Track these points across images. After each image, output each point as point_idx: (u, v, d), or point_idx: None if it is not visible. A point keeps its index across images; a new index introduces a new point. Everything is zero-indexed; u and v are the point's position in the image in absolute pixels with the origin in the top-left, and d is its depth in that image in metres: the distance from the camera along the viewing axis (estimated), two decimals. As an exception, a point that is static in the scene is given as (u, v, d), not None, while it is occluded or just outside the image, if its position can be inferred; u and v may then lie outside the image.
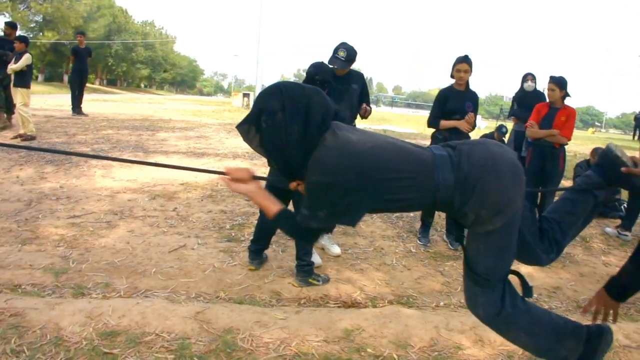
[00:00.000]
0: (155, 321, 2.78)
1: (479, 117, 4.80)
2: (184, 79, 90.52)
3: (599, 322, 1.98)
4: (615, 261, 4.88)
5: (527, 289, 1.97)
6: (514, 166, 1.76)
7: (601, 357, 1.97)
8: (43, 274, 3.46)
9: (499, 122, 10.66)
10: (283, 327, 2.83)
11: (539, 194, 5.21)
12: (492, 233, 1.77)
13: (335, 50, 4.03)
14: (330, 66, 3.95)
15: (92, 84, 46.74)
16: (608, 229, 5.78)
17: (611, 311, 2.04)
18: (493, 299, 1.89)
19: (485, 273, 1.85)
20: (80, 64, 12.27)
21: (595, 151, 6.06)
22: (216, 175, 6.51)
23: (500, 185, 1.71)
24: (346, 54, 3.98)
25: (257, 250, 3.80)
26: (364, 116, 4.29)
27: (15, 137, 8.09)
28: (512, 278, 1.96)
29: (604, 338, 1.97)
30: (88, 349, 2.47)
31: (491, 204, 1.71)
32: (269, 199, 1.87)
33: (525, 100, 6.81)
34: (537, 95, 6.79)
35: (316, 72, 3.71)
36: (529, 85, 6.92)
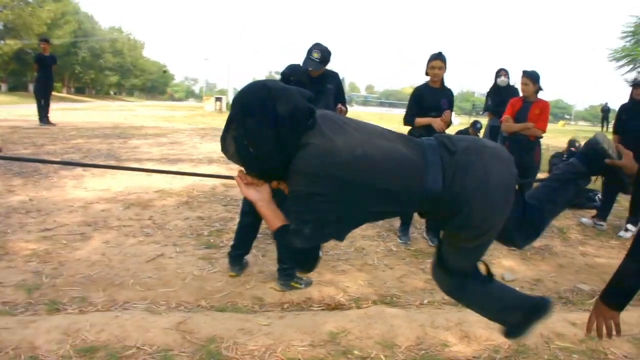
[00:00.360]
0: (136, 334, 2.69)
1: (452, 117, 4.83)
2: (154, 85, 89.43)
3: (604, 338, 1.82)
4: (593, 251, 4.96)
5: (489, 275, 2.07)
6: (506, 190, 1.70)
7: (531, 326, 2.13)
8: (14, 292, 3.33)
9: (473, 118, 10.79)
10: (267, 333, 2.78)
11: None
12: (467, 248, 1.84)
13: (309, 52, 3.99)
14: (305, 68, 3.92)
15: (60, 92, 45.71)
16: (584, 220, 5.88)
17: (613, 324, 1.77)
18: (458, 281, 2.03)
19: (456, 268, 1.96)
20: (45, 72, 11.97)
21: (571, 142, 6.18)
22: (192, 181, 6.46)
23: (487, 211, 1.67)
24: (320, 54, 3.94)
25: (238, 256, 3.74)
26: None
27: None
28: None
29: (540, 310, 2.11)
30: (65, 368, 2.38)
31: (474, 227, 1.70)
32: (275, 211, 1.76)
33: (499, 95, 6.89)
34: (511, 90, 6.88)
35: (290, 73, 3.70)
36: (502, 80, 7.00)
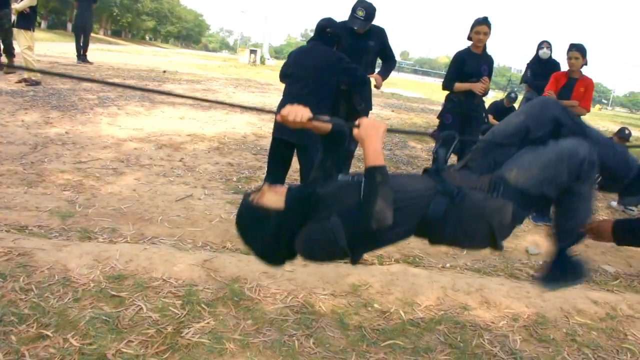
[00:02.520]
0: (163, 267, 2.77)
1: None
2: (189, 34, 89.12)
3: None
4: (621, 233, 4.86)
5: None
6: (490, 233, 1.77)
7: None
8: (49, 217, 3.44)
9: (508, 90, 10.49)
10: (290, 279, 2.83)
11: None
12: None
13: (354, 10, 3.89)
14: (350, 25, 3.85)
15: (96, 34, 45.90)
16: (613, 203, 5.75)
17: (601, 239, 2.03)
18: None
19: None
20: (85, 11, 11.99)
21: (621, 132, 5.95)
22: (223, 128, 6.49)
23: (471, 246, 1.91)
24: (365, 12, 3.84)
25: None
26: (378, 87, 4.22)
27: (20, 82, 7.96)
28: None
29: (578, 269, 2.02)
30: (96, 291, 2.47)
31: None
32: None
33: (540, 68, 6.66)
34: (552, 63, 6.64)
35: (327, 24, 3.56)
36: (544, 52, 6.74)
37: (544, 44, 6.81)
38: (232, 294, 2.58)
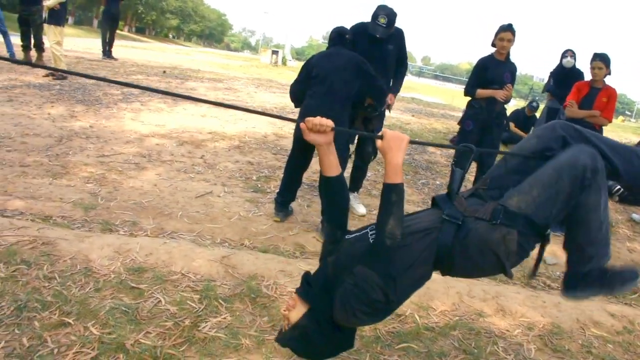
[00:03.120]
0: (182, 261, 2.81)
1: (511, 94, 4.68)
2: (212, 33, 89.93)
3: None
4: (641, 247, 4.80)
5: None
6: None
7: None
8: (73, 208, 3.51)
9: (529, 99, 10.41)
10: (307, 278, 2.85)
11: None
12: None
13: (375, 17, 3.86)
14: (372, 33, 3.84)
15: (121, 31, 46.56)
16: (635, 216, 5.66)
17: None
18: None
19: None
20: (113, 7, 12.18)
21: None
22: (245, 127, 6.54)
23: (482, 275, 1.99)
24: (387, 19, 3.82)
25: (283, 203, 3.80)
26: (389, 108, 4.18)
27: (47, 76, 8.13)
28: None
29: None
30: (116, 282, 2.52)
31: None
32: (334, 156, 1.81)
33: (563, 77, 6.60)
34: (576, 72, 6.58)
35: (346, 30, 3.71)
36: (567, 61, 6.68)
37: (568, 53, 6.74)
38: (249, 291, 2.61)
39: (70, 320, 2.17)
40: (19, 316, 2.14)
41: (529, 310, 2.97)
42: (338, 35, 3.69)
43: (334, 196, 1.87)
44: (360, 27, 3.96)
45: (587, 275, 1.87)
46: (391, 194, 1.63)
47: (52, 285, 2.40)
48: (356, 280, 1.60)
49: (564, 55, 6.78)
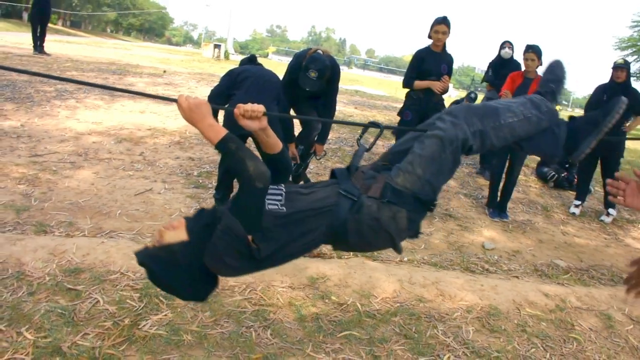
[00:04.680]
0: (121, 260, 2.76)
1: (449, 85, 4.81)
2: (152, 27, 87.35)
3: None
4: (573, 231, 5.08)
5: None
6: None
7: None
8: (3, 210, 3.36)
9: (469, 90, 10.76)
10: (249, 272, 2.86)
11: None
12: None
13: (306, 69, 3.64)
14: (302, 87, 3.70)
15: (55, 24, 44.49)
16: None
17: None
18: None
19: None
20: (42, 0, 11.64)
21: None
22: (185, 123, 6.43)
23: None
24: (317, 73, 3.63)
25: (222, 198, 3.79)
26: (317, 155, 4.19)
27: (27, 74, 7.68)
28: None
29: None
30: (51, 284, 2.45)
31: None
32: (274, 137, 1.78)
33: (501, 68, 6.83)
34: (513, 64, 6.82)
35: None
36: (506, 52, 6.90)
37: (506, 44, 6.96)
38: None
39: (1, 327, 2.10)
40: (-55, 324, 2.05)
41: (467, 293, 3.11)
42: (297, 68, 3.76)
43: (278, 165, 1.84)
44: (298, 60, 3.83)
45: (575, 134, 1.94)
46: (227, 146, 1.57)
47: (-19, 291, 2.30)
48: (223, 226, 1.56)
49: (502, 47, 6.99)
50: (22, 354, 1.96)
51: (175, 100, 1.66)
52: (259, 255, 1.59)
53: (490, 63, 7.35)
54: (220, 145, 1.57)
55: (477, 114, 1.81)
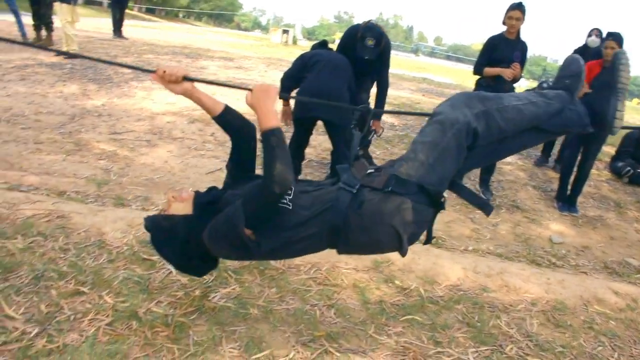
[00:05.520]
0: (192, 235, 2.87)
1: (521, 73, 4.61)
2: (221, 12, 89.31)
3: None
4: (649, 228, 4.79)
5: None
6: None
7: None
8: (86, 183, 3.58)
9: (542, 80, 10.31)
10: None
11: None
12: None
13: (363, 38, 3.74)
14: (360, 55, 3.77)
15: (131, 10, 46.36)
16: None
17: None
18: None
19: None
20: (123, -14, 12.18)
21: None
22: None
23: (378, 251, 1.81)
24: (375, 40, 3.74)
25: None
26: (377, 133, 4.10)
27: (58, 55, 8.18)
28: None
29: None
30: (129, 254, 2.60)
31: None
32: (210, 97, 1.84)
33: (585, 57, 6.46)
34: (598, 53, 6.43)
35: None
36: (592, 40, 6.46)
37: (594, 32, 6.48)
38: (258, 263, 2.68)
39: (85, 289, 2.25)
40: (36, 285, 2.22)
41: (533, 286, 3.01)
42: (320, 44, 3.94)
43: (231, 127, 1.93)
44: (352, 34, 3.91)
45: (594, 106, 1.89)
46: (270, 138, 1.54)
47: (67, 257, 2.48)
48: (228, 213, 1.58)
49: (589, 34, 6.57)
50: (103, 316, 2.09)
51: (250, 90, 1.70)
52: (257, 251, 1.61)
53: (574, 51, 6.97)
54: (266, 134, 1.55)
55: (479, 97, 1.75)
